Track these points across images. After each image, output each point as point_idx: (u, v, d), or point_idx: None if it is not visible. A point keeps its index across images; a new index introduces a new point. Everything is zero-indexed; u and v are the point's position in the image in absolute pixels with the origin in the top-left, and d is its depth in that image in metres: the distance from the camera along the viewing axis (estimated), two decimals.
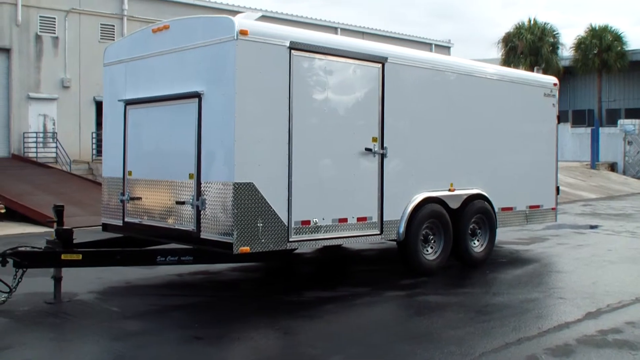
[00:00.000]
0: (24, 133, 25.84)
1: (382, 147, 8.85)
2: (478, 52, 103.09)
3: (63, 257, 7.68)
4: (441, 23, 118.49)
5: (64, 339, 6.71)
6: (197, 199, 7.85)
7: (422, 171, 9.50)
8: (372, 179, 8.79)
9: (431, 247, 9.65)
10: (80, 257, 7.74)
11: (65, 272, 8.00)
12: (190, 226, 7.99)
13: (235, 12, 8.73)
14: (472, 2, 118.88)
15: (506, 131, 10.94)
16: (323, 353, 6.20)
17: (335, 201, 8.35)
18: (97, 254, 8.17)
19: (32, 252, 7.71)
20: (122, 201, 9.08)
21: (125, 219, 9.08)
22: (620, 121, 41.78)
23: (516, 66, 43.45)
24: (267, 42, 7.69)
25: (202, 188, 7.82)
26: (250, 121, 7.53)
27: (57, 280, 7.88)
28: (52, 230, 8.05)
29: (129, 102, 9.04)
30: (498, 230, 10.82)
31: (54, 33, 26.66)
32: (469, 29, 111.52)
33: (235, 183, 7.40)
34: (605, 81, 49.41)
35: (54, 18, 26.62)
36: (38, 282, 8.21)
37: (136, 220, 8.90)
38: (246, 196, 7.46)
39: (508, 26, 72.23)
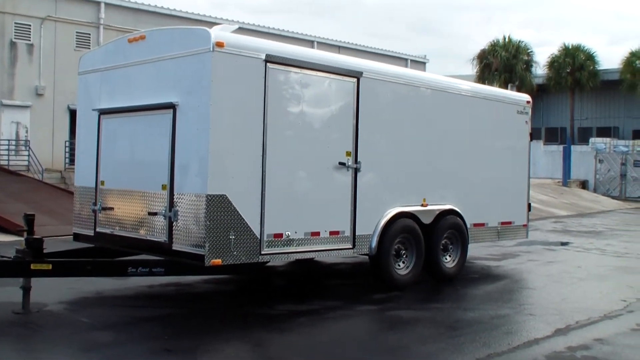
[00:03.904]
0: None
1: (356, 161, 8.89)
2: (454, 68, 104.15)
3: (33, 266, 7.58)
4: (419, 38, 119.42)
5: (32, 349, 6.62)
6: (170, 210, 7.81)
7: (395, 186, 9.55)
8: (345, 193, 8.81)
9: (403, 262, 9.68)
10: (50, 267, 7.65)
11: (35, 282, 7.90)
12: (162, 237, 7.95)
13: (212, 24, 8.76)
14: (450, 18, 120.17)
15: (479, 147, 11.03)
16: None
17: (308, 215, 8.36)
18: (67, 264, 8.07)
19: (1, 262, 7.61)
20: (94, 211, 9.00)
21: (97, 229, 9.01)
22: (592, 139, 42.40)
23: (490, 83, 43.92)
24: (242, 55, 7.70)
25: (174, 199, 7.79)
26: (224, 133, 7.52)
27: (26, 290, 7.77)
28: (22, 239, 7.95)
29: (103, 112, 9.00)
30: (470, 246, 10.89)
31: (29, 40, 26.48)
32: (446, 44, 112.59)
33: (208, 195, 7.38)
34: (578, 100, 50.13)
35: (30, 25, 26.45)
36: (6, 291, 8.10)
37: (108, 231, 8.83)
38: (219, 208, 7.44)
39: (484, 43, 72.89)
